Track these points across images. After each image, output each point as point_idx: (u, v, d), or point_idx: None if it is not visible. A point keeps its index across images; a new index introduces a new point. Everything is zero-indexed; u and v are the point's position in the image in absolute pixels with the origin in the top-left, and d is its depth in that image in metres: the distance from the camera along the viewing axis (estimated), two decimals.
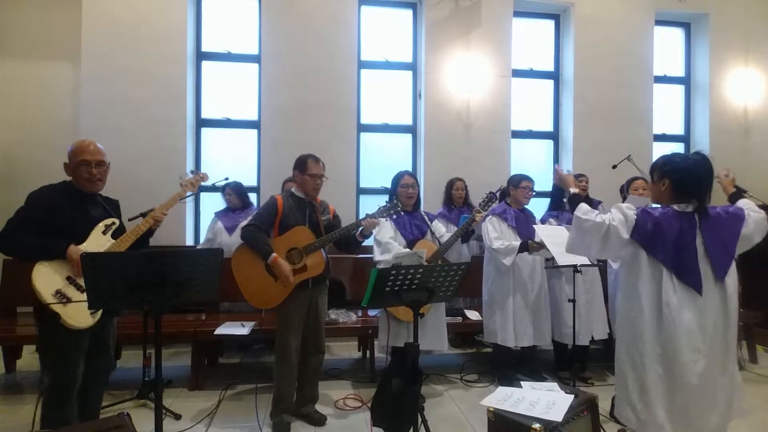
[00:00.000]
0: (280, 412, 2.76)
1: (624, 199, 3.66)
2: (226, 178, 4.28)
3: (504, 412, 1.79)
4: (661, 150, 5.81)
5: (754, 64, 5.86)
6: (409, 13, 5.50)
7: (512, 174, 3.69)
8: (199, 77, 5.20)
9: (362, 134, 5.41)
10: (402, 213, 3.07)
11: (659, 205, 1.99)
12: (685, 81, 6.07)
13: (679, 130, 6.08)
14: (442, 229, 3.39)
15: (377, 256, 3.14)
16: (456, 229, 3.35)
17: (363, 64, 5.39)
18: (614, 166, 4.02)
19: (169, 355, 4.10)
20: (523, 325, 3.34)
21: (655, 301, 1.87)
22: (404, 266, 2.08)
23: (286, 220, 2.75)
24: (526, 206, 3.56)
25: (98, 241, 2.13)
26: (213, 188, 4.40)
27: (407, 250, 3.12)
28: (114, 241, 2.17)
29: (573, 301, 3.11)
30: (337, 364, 3.95)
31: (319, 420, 2.85)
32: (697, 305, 1.82)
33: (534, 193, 3.54)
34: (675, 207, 1.90)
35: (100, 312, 2.07)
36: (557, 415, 1.74)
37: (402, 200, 3.13)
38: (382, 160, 5.46)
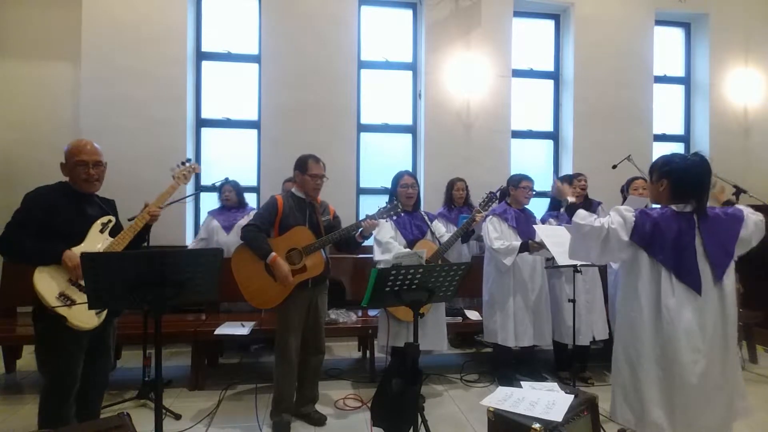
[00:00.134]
0: (280, 412, 2.76)
1: (624, 199, 3.66)
2: (226, 178, 4.29)
3: (504, 412, 1.79)
4: (661, 150, 5.81)
5: (754, 64, 5.86)
6: (409, 13, 5.50)
7: (512, 174, 3.69)
8: (199, 77, 5.20)
9: (362, 134, 5.41)
10: (402, 214, 3.07)
11: (658, 206, 1.99)
12: (685, 81, 6.07)
13: (679, 130, 6.08)
14: (442, 229, 3.39)
15: (377, 256, 3.14)
16: (456, 229, 3.35)
17: (363, 64, 5.39)
18: (614, 166, 4.02)
19: (169, 355, 4.10)
20: (524, 325, 3.34)
21: (654, 302, 1.87)
22: (404, 266, 2.08)
23: (286, 221, 2.75)
24: (526, 206, 3.57)
25: (96, 241, 2.12)
26: (213, 188, 4.40)
27: (407, 250, 3.12)
28: (112, 239, 2.16)
29: (573, 301, 3.11)
30: (337, 364, 3.95)
31: (319, 420, 2.86)
32: (696, 306, 1.82)
33: (534, 193, 3.54)
34: (673, 207, 1.91)
35: (105, 312, 2.07)
36: (557, 415, 1.74)
37: (402, 200, 3.13)
38: (382, 160, 5.46)
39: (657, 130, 5.81)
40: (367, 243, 3.01)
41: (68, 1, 4.78)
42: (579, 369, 3.53)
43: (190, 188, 4.89)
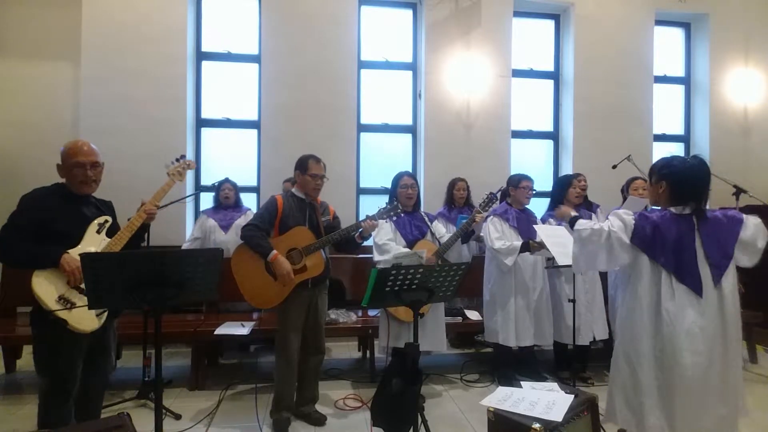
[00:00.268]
0: (279, 411, 2.76)
1: (624, 200, 3.66)
2: (226, 178, 4.29)
3: (504, 412, 1.79)
4: (661, 150, 5.81)
5: (754, 64, 5.86)
6: (409, 13, 5.50)
7: (512, 174, 3.69)
8: (199, 77, 5.20)
9: (362, 134, 5.41)
10: (402, 214, 3.07)
11: (658, 208, 2.00)
12: (685, 81, 6.07)
13: (679, 130, 6.08)
14: (442, 230, 3.39)
15: (377, 257, 3.14)
16: (455, 229, 3.35)
17: (363, 64, 5.39)
18: (614, 166, 4.02)
19: (169, 355, 4.10)
20: (525, 325, 3.35)
21: (655, 304, 1.87)
22: (404, 266, 2.08)
23: (286, 221, 2.75)
24: (527, 206, 3.57)
25: (94, 242, 2.09)
26: (213, 188, 4.40)
27: (407, 250, 3.12)
28: (109, 240, 2.14)
29: (573, 301, 3.12)
30: (337, 364, 3.95)
31: (319, 420, 2.86)
32: (696, 307, 1.82)
33: (534, 192, 3.54)
34: (672, 210, 1.91)
35: (106, 314, 2.05)
36: (557, 415, 1.74)
37: (401, 201, 3.13)
38: (382, 160, 5.46)
39: (657, 130, 5.81)
40: (367, 243, 3.01)
41: (68, 1, 4.78)
42: (579, 369, 3.53)
43: (190, 188, 4.89)
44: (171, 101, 4.85)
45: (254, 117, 5.22)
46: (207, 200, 5.11)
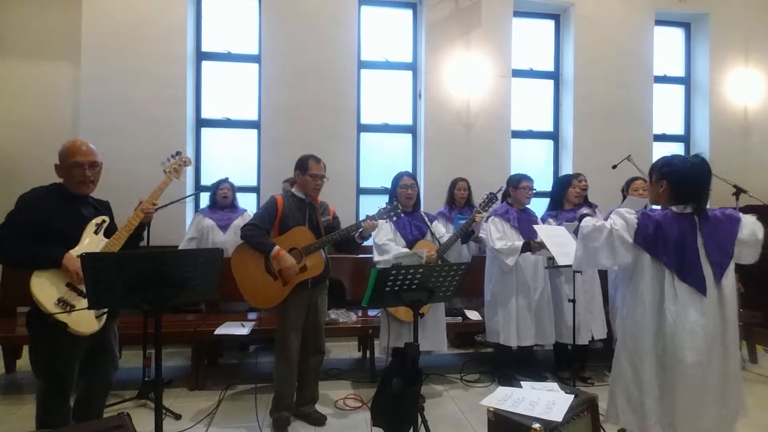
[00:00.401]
0: (279, 411, 2.76)
1: (624, 200, 3.66)
2: (226, 178, 4.28)
3: (504, 412, 1.79)
4: (661, 150, 5.81)
5: (754, 64, 5.86)
6: (409, 13, 5.50)
7: (511, 174, 3.69)
8: (199, 77, 5.20)
9: (362, 134, 5.41)
10: (402, 214, 3.07)
11: (658, 207, 1.99)
12: (685, 81, 6.07)
13: (679, 130, 6.08)
14: (442, 230, 3.39)
15: (376, 257, 3.14)
16: (454, 230, 3.35)
17: (363, 64, 5.39)
18: (614, 166, 4.02)
19: (169, 355, 4.10)
20: (526, 325, 3.35)
21: (657, 303, 1.87)
22: (404, 266, 2.08)
23: (285, 221, 2.75)
24: (527, 206, 3.57)
25: (91, 242, 2.07)
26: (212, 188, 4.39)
27: (407, 250, 3.12)
28: (107, 240, 2.12)
29: (573, 301, 3.12)
30: (337, 364, 3.95)
31: (319, 420, 2.86)
32: (698, 306, 1.83)
33: (534, 191, 3.54)
34: (673, 209, 1.91)
35: (105, 317, 2.04)
36: (557, 415, 1.74)
37: (401, 201, 3.13)
38: (382, 160, 5.46)
39: (657, 130, 5.81)
40: (367, 243, 3.01)
41: (68, 1, 4.78)
42: (579, 369, 3.53)
43: (190, 188, 4.89)
44: (171, 101, 4.85)
45: (254, 117, 5.22)
46: (206, 201, 5.11)
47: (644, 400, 1.86)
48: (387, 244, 3.12)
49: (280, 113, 5.03)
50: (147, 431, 2.11)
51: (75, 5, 4.71)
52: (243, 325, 3.43)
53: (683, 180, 1.89)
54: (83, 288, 1.94)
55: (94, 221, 2.12)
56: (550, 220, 3.64)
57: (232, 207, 4.23)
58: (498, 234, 3.38)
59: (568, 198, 3.69)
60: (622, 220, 1.91)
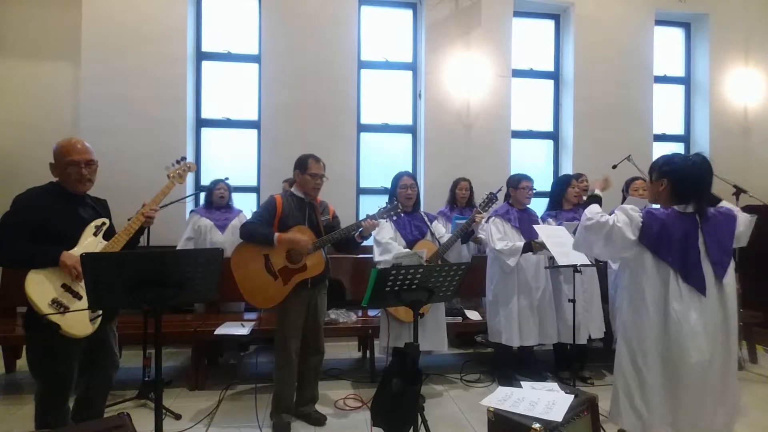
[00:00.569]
0: (279, 412, 2.76)
1: (623, 199, 3.66)
2: (224, 179, 4.27)
3: (504, 412, 1.79)
4: (661, 150, 5.81)
5: (754, 64, 5.86)
6: (409, 13, 5.50)
7: (512, 174, 3.69)
8: (199, 77, 5.20)
9: (362, 134, 5.41)
10: (402, 214, 3.07)
11: (658, 206, 1.99)
12: (685, 81, 6.07)
13: (679, 130, 6.08)
14: (442, 230, 3.39)
15: (377, 256, 3.14)
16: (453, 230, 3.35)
17: (363, 64, 5.39)
18: (614, 166, 4.01)
19: (169, 355, 4.10)
20: (528, 325, 3.35)
21: (660, 303, 1.87)
22: (404, 266, 2.08)
23: (285, 220, 2.75)
24: (528, 206, 3.57)
25: (90, 244, 2.06)
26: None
27: (407, 250, 3.12)
28: (106, 242, 2.10)
29: (573, 301, 3.11)
30: (337, 364, 3.95)
31: (319, 420, 2.86)
32: (700, 306, 1.83)
33: (534, 191, 3.54)
34: (675, 208, 1.90)
35: (99, 320, 2.02)
36: (557, 415, 1.74)
37: (401, 201, 3.13)
38: (382, 160, 5.46)
39: (657, 130, 5.81)
40: (366, 243, 3.00)
41: (68, 1, 4.78)
42: (578, 368, 3.53)
43: (189, 188, 4.89)
44: (171, 101, 4.85)
45: (254, 117, 5.22)
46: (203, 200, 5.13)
47: (648, 400, 1.86)
48: (389, 243, 3.12)
49: (280, 113, 5.03)
50: (147, 431, 2.11)
51: (75, 5, 4.71)
52: (243, 325, 3.43)
53: (684, 179, 1.89)
54: (78, 289, 1.93)
55: (93, 223, 2.11)
56: (550, 220, 3.64)
57: (228, 207, 4.22)
58: (499, 235, 3.38)
59: (567, 198, 3.69)
60: (625, 216, 1.90)
